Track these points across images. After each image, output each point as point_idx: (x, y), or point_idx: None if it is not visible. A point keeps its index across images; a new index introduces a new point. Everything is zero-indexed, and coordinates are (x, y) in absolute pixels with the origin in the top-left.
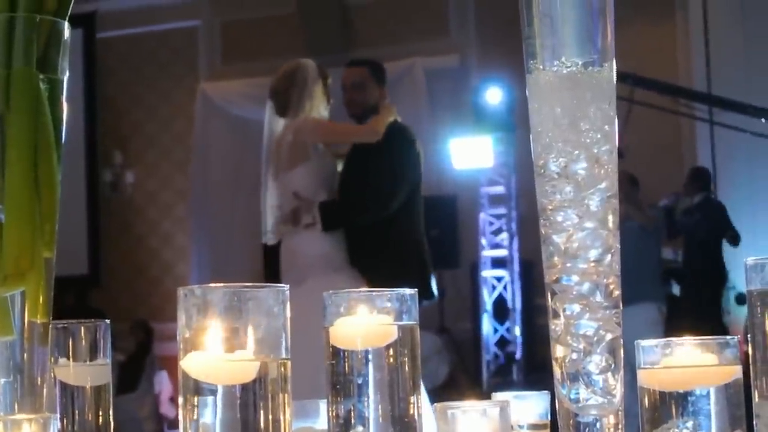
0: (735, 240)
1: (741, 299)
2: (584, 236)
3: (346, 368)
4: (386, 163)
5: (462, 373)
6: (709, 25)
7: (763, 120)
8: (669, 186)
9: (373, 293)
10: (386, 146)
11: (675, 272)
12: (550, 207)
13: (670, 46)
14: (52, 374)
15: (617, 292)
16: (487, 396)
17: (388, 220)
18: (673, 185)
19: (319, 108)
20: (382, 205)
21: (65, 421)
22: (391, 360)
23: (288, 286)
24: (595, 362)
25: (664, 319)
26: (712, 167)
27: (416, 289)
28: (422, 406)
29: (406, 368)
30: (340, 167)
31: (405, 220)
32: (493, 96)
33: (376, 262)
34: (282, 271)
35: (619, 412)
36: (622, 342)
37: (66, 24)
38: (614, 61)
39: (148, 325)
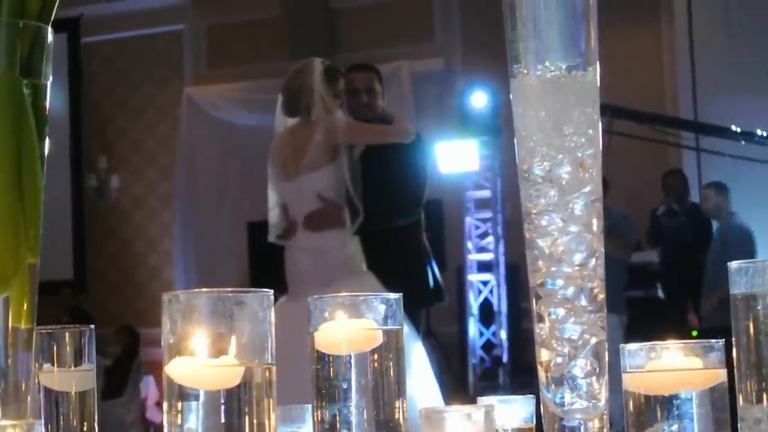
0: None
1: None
2: (568, 240)
3: (331, 373)
4: (412, 169)
5: (448, 377)
6: (693, 30)
7: (742, 142)
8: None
9: (358, 298)
10: (411, 151)
11: (656, 275)
12: (534, 211)
13: (654, 54)
14: (36, 380)
15: (602, 296)
16: (473, 400)
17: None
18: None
19: (333, 109)
20: (411, 211)
21: (50, 426)
22: (376, 365)
23: (272, 291)
24: (580, 366)
25: (624, 327)
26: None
27: (430, 292)
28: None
29: (391, 372)
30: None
31: (415, 225)
32: (479, 100)
33: (391, 267)
34: (297, 270)
35: (604, 416)
36: (606, 346)
37: (49, 29)
38: (598, 65)
39: (134, 330)
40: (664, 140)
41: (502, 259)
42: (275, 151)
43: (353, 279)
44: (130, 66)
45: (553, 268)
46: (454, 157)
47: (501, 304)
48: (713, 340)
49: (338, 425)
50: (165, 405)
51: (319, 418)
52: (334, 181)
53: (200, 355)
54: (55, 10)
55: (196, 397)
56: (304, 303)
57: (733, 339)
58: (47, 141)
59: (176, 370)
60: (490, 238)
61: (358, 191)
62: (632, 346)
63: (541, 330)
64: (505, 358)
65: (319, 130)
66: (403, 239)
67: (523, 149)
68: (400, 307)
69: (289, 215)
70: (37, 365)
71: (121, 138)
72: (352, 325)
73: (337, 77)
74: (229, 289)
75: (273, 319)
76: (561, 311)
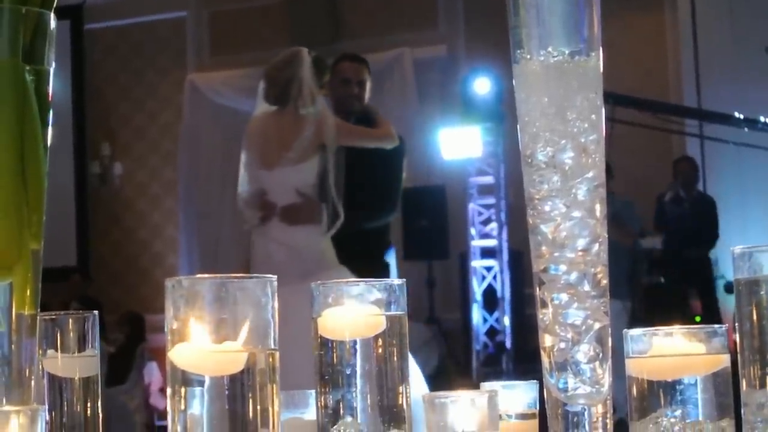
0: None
1: (730, 288)
2: (572, 226)
3: (335, 359)
4: (390, 173)
5: (452, 363)
6: (696, 17)
7: (746, 129)
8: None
9: (361, 283)
10: (391, 155)
11: (658, 262)
12: (537, 197)
13: (658, 41)
14: (40, 366)
15: (605, 282)
16: (477, 386)
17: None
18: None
19: (319, 101)
20: (387, 215)
21: (54, 412)
22: (380, 350)
23: (276, 276)
24: (583, 351)
25: (629, 313)
26: (702, 177)
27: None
28: (423, 393)
29: (395, 358)
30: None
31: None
32: (482, 86)
33: (362, 261)
34: (270, 261)
35: (608, 401)
36: (610, 331)
37: (52, 15)
38: (601, 51)
39: (137, 317)
40: (668, 128)
41: (505, 245)
42: (254, 135)
43: (328, 273)
44: (133, 53)
45: (556, 254)
46: (457, 144)
47: (504, 290)
48: (716, 326)
49: (342, 410)
50: (168, 391)
51: (323, 404)
52: (314, 178)
53: (203, 340)
54: None
55: (200, 383)
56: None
57: (737, 324)
58: (50, 127)
59: (180, 356)
60: (494, 224)
61: (340, 192)
62: (636, 332)
63: (545, 315)
64: (508, 344)
65: (308, 126)
66: (369, 237)
67: (526, 135)
68: (403, 293)
69: (265, 201)
70: (40, 351)
71: (124, 125)
72: (356, 310)
73: (324, 68)
74: (233, 274)
75: (276, 305)
76: (564, 297)
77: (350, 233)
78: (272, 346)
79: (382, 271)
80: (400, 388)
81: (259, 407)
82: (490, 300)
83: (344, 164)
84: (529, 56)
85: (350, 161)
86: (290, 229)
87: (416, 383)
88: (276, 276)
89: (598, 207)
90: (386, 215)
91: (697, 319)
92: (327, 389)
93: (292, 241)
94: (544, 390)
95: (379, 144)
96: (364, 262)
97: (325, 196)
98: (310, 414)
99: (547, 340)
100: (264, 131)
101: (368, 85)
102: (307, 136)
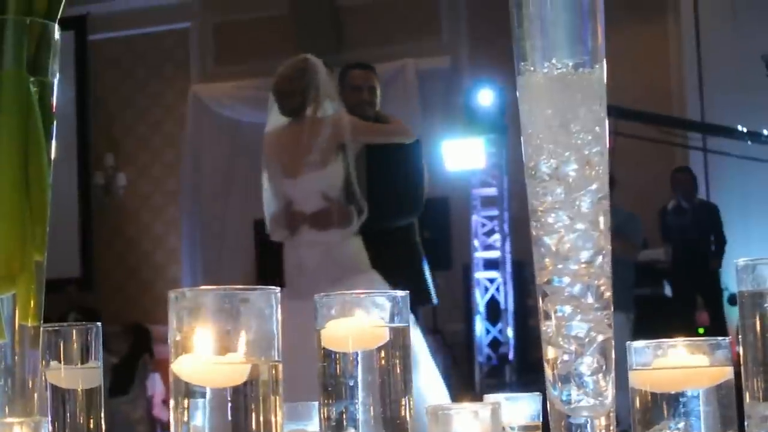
0: (720, 245)
1: (733, 300)
2: (575, 238)
3: (338, 370)
4: (413, 170)
5: (455, 375)
6: (700, 30)
7: (749, 142)
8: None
9: (365, 295)
10: (412, 152)
11: (661, 274)
12: (541, 209)
13: (661, 54)
14: (43, 377)
15: (608, 294)
16: (480, 398)
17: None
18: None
19: (336, 105)
20: (413, 212)
21: (56, 424)
22: (383, 362)
23: (279, 288)
24: (587, 363)
25: (632, 325)
26: (706, 190)
27: (424, 292)
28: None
29: (398, 370)
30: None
31: (410, 225)
32: (485, 97)
33: (388, 266)
34: (302, 268)
35: (611, 414)
36: (613, 343)
37: (56, 26)
38: (605, 63)
39: (142, 328)
40: (671, 141)
41: (508, 256)
42: (273, 148)
43: (360, 277)
44: (137, 64)
45: (559, 266)
46: (460, 155)
47: (507, 301)
48: (720, 338)
49: (345, 422)
50: (172, 402)
51: (326, 416)
52: (338, 180)
53: (207, 352)
54: (62, 8)
55: (203, 395)
56: (309, 301)
57: (740, 336)
58: (54, 138)
59: (183, 367)
60: (497, 236)
61: (363, 190)
62: (639, 344)
63: (548, 327)
64: (511, 356)
65: (326, 128)
66: (399, 239)
67: (529, 147)
68: (406, 305)
69: (293, 213)
70: (43, 363)
71: (127, 136)
72: (359, 322)
73: (333, 73)
74: (236, 286)
75: (280, 317)
76: (568, 309)
77: (381, 239)
78: (276, 358)
79: (416, 278)
80: (403, 400)
81: (262, 419)
82: (493, 311)
83: (365, 165)
84: (532, 68)
85: (371, 161)
86: (321, 235)
87: (436, 391)
88: (280, 289)
89: (601, 219)
90: (412, 212)
91: (701, 331)
92: (330, 401)
93: (323, 245)
94: (548, 402)
95: (396, 139)
96: (396, 267)
97: (350, 197)
98: (314, 426)
99: (550, 352)
100: (283, 142)
101: (378, 91)
102: (326, 136)
